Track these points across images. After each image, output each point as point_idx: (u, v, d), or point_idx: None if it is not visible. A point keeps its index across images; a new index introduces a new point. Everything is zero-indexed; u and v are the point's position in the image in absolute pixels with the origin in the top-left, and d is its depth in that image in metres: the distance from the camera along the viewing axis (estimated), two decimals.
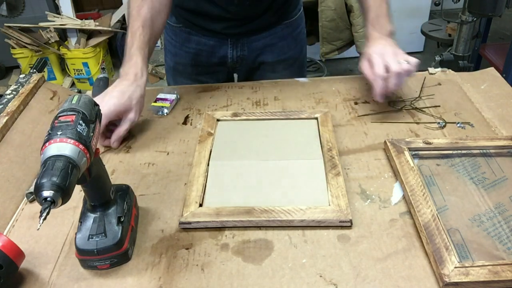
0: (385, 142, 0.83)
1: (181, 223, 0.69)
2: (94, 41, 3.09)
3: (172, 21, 1.14)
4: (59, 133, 0.53)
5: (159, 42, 4.09)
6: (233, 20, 1.07)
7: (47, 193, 0.49)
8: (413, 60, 0.87)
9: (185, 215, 0.69)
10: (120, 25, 3.42)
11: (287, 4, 1.12)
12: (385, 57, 0.87)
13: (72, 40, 3.07)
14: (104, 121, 0.81)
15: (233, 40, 1.11)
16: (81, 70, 3.11)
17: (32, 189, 0.77)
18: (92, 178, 0.60)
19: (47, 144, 0.53)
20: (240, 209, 0.69)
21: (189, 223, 0.68)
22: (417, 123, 0.92)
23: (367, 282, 0.60)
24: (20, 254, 0.60)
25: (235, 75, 1.25)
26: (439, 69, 1.10)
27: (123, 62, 0.89)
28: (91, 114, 0.59)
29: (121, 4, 3.33)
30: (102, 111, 0.72)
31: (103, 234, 0.61)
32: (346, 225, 0.68)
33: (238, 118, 0.93)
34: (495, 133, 0.87)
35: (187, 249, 0.66)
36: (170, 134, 0.92)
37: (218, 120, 0.93)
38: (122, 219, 0.64)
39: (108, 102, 0.82)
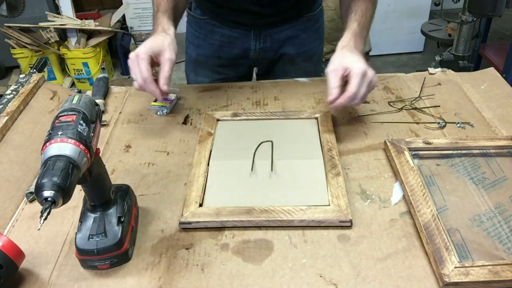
0: (385, 142, 0.83)
1: (181, 223, 0.69)
2: (94, 41, 3.08)
3: (197, 13, 1.18)
4: (59, 133, 0.53)
5: None
6: (258, 13, 1.09)
7: (47, 193, 0.49)
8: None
9: (185, 215, 0.69)
10: (120, 25, 3.42)
11: None
12: (363, 81, 0.80)
13: (72, 40, 3.07)
14: (144, 55, 0.84)
15: (256, 32, 1.14)
16: (81, 70, 3.10)
17: (32, 189, 0.77)
18: (92, 178, 0.60)
19: (47, 144, 0.53)
20: (240, 209, 0.69)
21: (189, 223, 0.68)
22: (417, 123, 0.92)
23: (367, 282, 0.60)
24: (20, 254, 0.60)
25: (255, 69, 1.28)
26: (439, 69, 1.10)
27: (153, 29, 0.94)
28: (92, 114, 0.59)
29: (121, 4, 3.33)
30: (141, 51, 0.84)
31: (103, 234, 0.61)
32: (346, 225, 0.68)
33: (238, 118, 0.93)
34: (495, 133, 0.87)
35: (187, 249, 0.66)
36: (170, 134, 0.92)
37: (218, 120, 0.93)
38: (122, 219, 0.64)
39: (144, 44, 0.86)
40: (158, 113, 0.99)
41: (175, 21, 0.97)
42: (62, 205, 0.51)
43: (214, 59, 1.20)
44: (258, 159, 0.81)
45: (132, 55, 0.86)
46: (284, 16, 1.12)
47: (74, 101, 0.59)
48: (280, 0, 1.08)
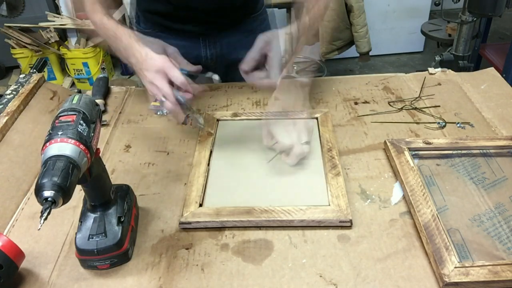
0: (385, 142, 0.83)
1: (181, 223, 0.69)
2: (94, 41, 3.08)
3: (142, 26, 1.15)
4: (59, 133, 0.53)
5: None
6: (205, 20, 1.08)
7: (48, 193, 0.49)
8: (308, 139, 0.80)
9: (185, 215, 0.69)
10: None
11: None
12: (291, 133, 0.80)
13: (72, 40, 3.07)
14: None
15: (206, 39, 1.12)
16: (81, 70, 3.10)
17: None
18: (92, 178, 0.60)
19: (47, 144, 0.53)
20: (240, 209, 0.69)
21: (189, 223, 0.68)
22: (417, 123, 0.92)
23: (367, 282, 0.60)
24: (20, 254, 0.60)
25: None
26: (439, 69, 1.10)
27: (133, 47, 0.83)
28: (92, 114, 0.59)
29: (121, 4, 3.32)
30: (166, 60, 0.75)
31: (103, 234, 0.62)
32: (346, 225, 0.68)
33: (238, 118, 0.93)
34: (495, 133, 0.87)
35: (187, 249, 0.66)
36: (170, 134, 0.92)
37: (218, 120, 0.93)
38: (122, 219, 0.64)
39: (150, 54, 0.77)
40: (158, 113, 0.99)
41: None
42: (62, 205, 0.51)
43: None
44: (258, 159, 0.81)
45: (165, 64, 0.75)
46: (229, 21, 1.10)
47: (74, 101, 0.59)
48: (226, 8, 1.06)
